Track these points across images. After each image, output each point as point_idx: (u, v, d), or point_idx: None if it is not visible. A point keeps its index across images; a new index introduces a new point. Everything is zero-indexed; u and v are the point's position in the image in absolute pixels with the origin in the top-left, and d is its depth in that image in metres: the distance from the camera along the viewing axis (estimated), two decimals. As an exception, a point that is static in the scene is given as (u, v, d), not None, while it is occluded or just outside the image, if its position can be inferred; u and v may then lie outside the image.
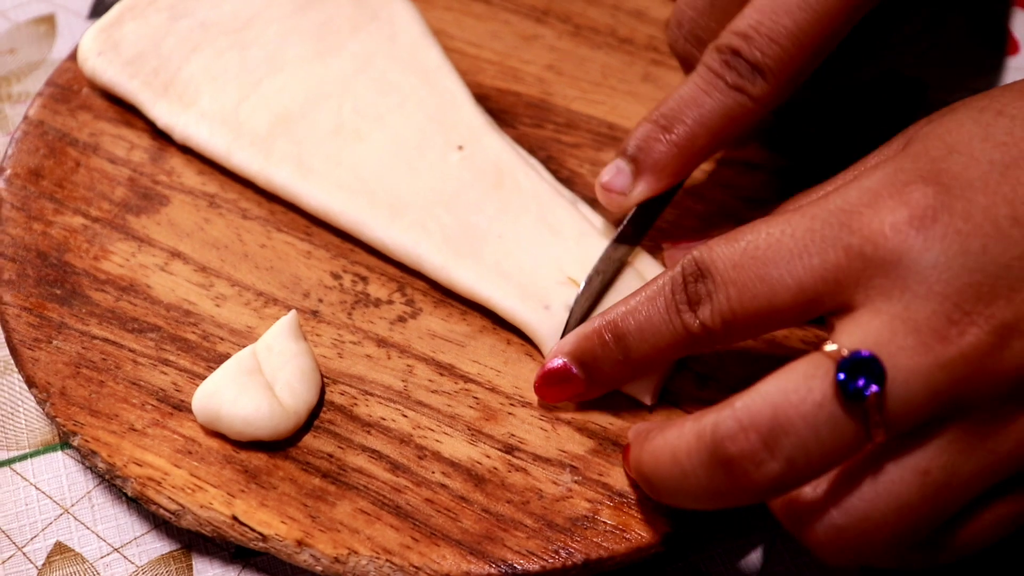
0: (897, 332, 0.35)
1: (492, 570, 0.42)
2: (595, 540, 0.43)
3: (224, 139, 0.53)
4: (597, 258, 0.49)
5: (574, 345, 0.45)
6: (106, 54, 0.56)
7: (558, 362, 0.45)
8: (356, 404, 0.47)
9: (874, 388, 0.34)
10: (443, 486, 0.45)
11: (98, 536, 0.46)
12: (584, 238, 0.50)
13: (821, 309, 0.38)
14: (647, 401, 0.46)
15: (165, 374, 0.48)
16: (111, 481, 0.46)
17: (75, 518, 0.47)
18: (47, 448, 0.49)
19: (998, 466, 0.36)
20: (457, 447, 0.46)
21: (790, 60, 0.45)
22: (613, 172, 0.49)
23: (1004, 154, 0.37)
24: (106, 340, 0.49)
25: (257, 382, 0.46)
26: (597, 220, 0.51)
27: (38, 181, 0.54)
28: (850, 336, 0.36)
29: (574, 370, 0.45)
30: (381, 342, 0.49)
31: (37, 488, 0.48)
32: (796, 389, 0.35)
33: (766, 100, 0.46)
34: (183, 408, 0.47)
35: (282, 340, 0.47)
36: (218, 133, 0.54)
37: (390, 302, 0.50)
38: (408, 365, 0.48)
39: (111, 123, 0.56)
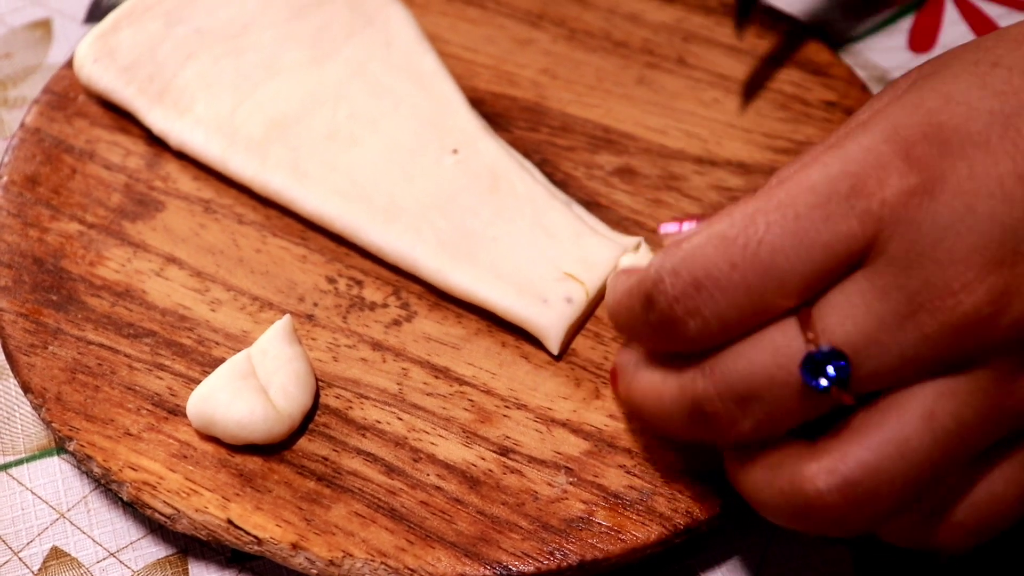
0: (890, 300, 0.35)
1: (487, 572, 0.42)
2: (590, 541, 0.43)
3: (219, 145, 0.53)
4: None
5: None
6: (102, 61, 0.56)
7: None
8: (351, 407, 0.47)
9: (833, 379, 0.35)
10: (438, 488, 0.45)
11: (94, 541, 0.46)
12: (580, 239, 0.50)
13: (827, 281, 0.36)
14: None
15: (160, 379, 0.48)
16: (107, 486, 0.46)
17: (71, 523, 0.47)
18: (43, 453, 0.49)
19: (1004, 418, 0.36)
20: (452, 449, 0.46)
21: None
22: None
23: (1004, 104, 0.36)
24: (102, 345, 0.49)
25: (251, 386, 0.46)
26: (592, 221, 0.51)
27: (34, 188, 0.54)
28: (842, 315, 0.36)
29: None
30: (376, 345, 0.49)
31: (33, 493, 0.48)
32: (765, 366, 0.36)
33: None
34: (178, 413, 0.47)
35: (277, 344, 0.47)
36: (213, 139, 0.54)
37: (385, 306, 0.50)
38: (403, 368, 0.48)
39: (107, 130, 0.56)
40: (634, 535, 0.43)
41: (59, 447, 0.49)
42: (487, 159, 0.53)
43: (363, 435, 0.46)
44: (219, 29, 0.57)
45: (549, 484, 0.45)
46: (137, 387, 0.48)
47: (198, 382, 0.47)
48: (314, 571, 0.43)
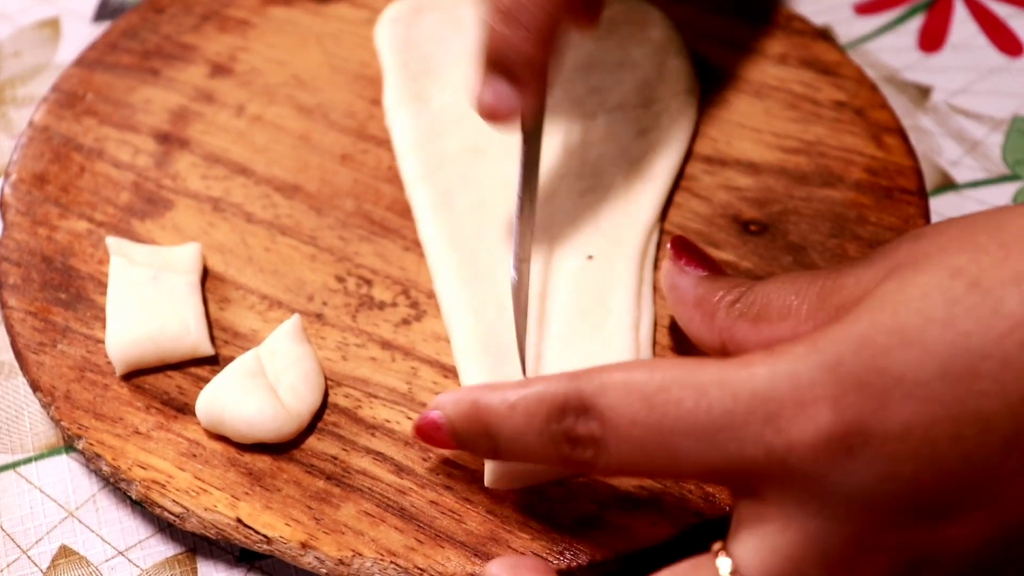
0: (804, 558, 0.34)
1: (497, 572, 0.42)
2: (600, 540, 0.43)
3: (418, 139, 0.55)
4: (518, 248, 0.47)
5: (451, 411, 0.41)
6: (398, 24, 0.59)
7: (434, 414, 0.42)
8: (360, 406, 0.47)
9: None
10: (447, 488, 0.45)
11: (103, 539, 0.46)
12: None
13: (725, 484, 0.37)
14: (486, 482, 0.44)
15: (169, 378, 0.48)
16: (116, 484, 0.46)
17: (80, 521, 0.47)
18: (52, 451, 0.49)
19: None
20: (461, 449, 0.46)
21: None
22: (493, 94, 0.47)
23: (963, 351, 0.33)
24: (111, 344, 0.49)
25: (260, 384, 0.46)
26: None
27: (43, 186, 0.54)
28: (753, 550, 0.35)
29: (445, 431, 0.42)
30: (385, 345, 0.49)
31: (42, 491, 0.48)
32: None
33: None
34: (187, 411, 0.47)
35: (285, 343, 0.47)
36: (416, 132, 0.55)
37: (394, 305, 0.50)
38: (412, 367, 0.48)
39: (116, 128, 0.56)
40: (644, 533, 0.43)
41: (68, 445, 0.49)
42: (608, 278, 0.50)
43: (372, 434, 0.46)
44: None
45: (559, 483, 0.45)
46: (146, 386, 0.48)
47: (207, 381, 0.47)
48: (323, 570, 0.43)
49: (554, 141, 0.54)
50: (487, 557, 0.43)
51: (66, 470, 0.48)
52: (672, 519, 0.43)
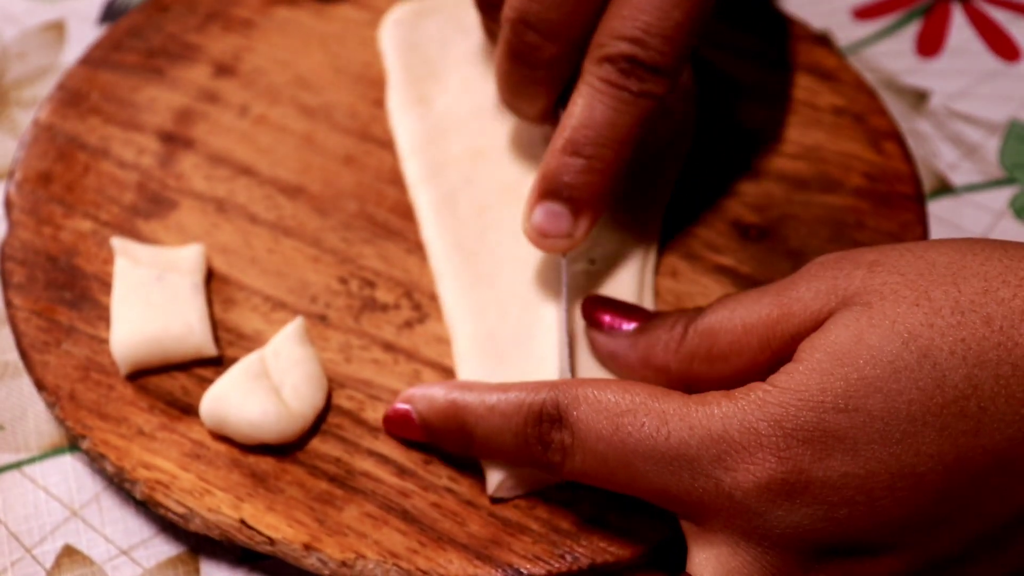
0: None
1: (498, 574, 0.43)
2: (601, 544, 0.43)
3: (419, 143, 0.55)
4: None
5: (425, 408, 0.45)
6: (402, 26, 0.59)
7: (405, 408, 0.45)
8: (363, 408, 0.47)
9: None
10: (449, 491, 0.45)
11: (106, 539, 0.47)
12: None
13: (676, 509, 0.39)
14: (489, 490, 0.45)
15: (174, 378, 0.48)
16: (120, 484, 0.46)
17: (83, 521, 0.47)
18: (56, 451, 0.49)
19: None
20: (463, 452, 0.46)
21: (685, 49, 0.46)
22: (546, 216, 0.47)
23: (904, 418, 0.35)
24: (115, 344, 0.49)
25: (264, 386, 0.46)
26: None
27: (47, 185, 0.54)
28: (712, 571, 0.38)
29: (416, 423, 0.45)
30: (388, 347, 0.49)
31: (46, 491, 0.48)
32: None
33: (669, 92, 0.47)
34: (191, 412, 0.47)
35: (289, 345, 0.47)
36: (418, 137, 0.55)
37: (397, 307, 0.50)
38: (415, 370, 0.48)
39: (120, 127, 0.57)
40: (645, 537, 0.44)
41: (72, 445, 0.49)
42: (610, 282, 0.50)
43: (375, 436, 0.47)
44: (486, 54, 0.58)
45: (560, 487, 0.45)
46: (150, 386, 0.48)
47: (211, 382, 0.47)
48: (326, 572, 0.43)
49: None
50: (489, 560, 0.43)
51: (70, 470, 0.49)
52: (671, 521, 0.44)
